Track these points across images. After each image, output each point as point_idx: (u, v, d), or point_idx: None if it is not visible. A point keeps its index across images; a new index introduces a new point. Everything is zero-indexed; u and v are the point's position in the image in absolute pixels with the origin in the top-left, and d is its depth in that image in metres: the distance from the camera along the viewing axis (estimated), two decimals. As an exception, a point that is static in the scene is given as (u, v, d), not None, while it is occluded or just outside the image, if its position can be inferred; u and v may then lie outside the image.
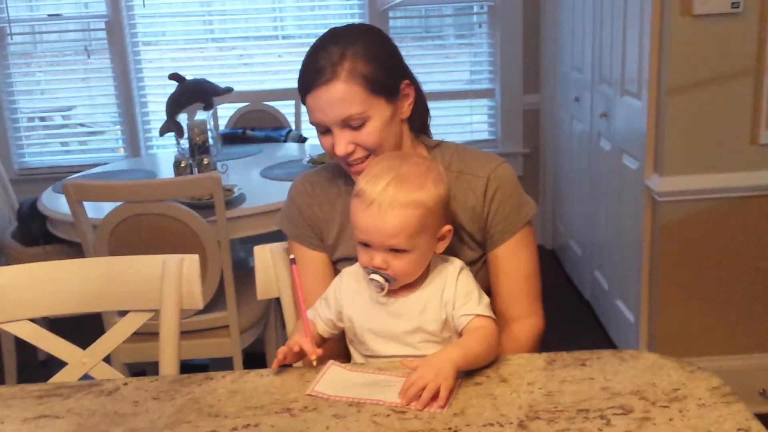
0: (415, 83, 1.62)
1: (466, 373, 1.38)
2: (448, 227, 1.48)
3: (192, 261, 1.68)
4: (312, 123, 1.56)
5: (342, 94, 1.49)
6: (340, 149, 1.52)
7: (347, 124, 1.52)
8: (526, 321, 1.62)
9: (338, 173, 1.67)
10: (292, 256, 1.54)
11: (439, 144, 1.68)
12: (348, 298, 1.51)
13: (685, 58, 2.67)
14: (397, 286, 1.46)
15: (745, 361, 2.90)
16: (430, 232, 1.44)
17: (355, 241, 1.47)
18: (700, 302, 2.87)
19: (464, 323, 1.45)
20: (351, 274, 1.54)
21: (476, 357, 1.39)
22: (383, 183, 1.41)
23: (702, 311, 2.88)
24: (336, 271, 1.64)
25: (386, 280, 1.43)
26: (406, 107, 1.60)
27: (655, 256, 2.88)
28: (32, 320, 1.69)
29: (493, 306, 1.55)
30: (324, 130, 1.55)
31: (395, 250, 1.42)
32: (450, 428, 1.22)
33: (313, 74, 1.52)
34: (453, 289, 1.47)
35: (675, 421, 1.21)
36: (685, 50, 2.66)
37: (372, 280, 1.44)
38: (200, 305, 1.69)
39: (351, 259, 1.59)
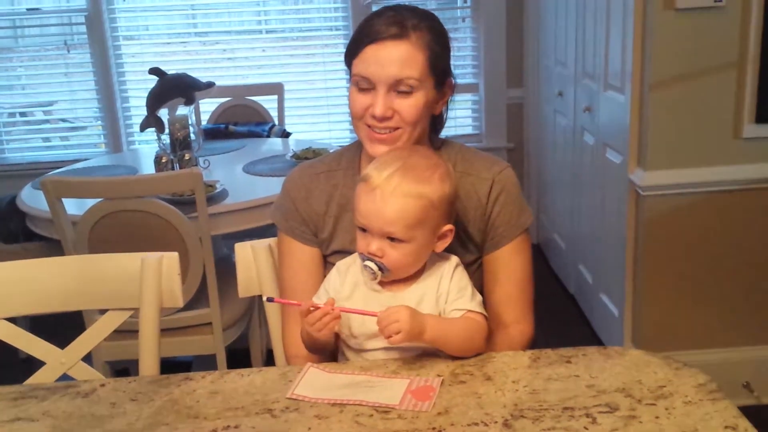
0: (453, 87, 1.61)
1: (451, 372, 1.37)
2: (449, 226, 1.47)
3: (171, 259, 1.65)
4: (357, 76, 1.51)
5: (406, 54, 1.48)
6: (380, 109, 1.49)
7: (396, 86, 1.49)
8: (517, 326, 1.61)
9: (336, 165, 1.65)
10: (265, 297, 1.51)
11: (444, 143, 1.66)
12: (345, 291, 1.50)
13: (668, 52, 2.66)
14: (389, 279, 1.45)
15: (729, 354, 2.90)
16: (429, 227, 1.43)
17: (355, 227, 1.46)
18: (685, 296, 2.88)
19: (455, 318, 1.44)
20: (346, 265, 1.52)
21: (451, 335, 1.40)
22: (389, 170, 1.41)
23: (686, 305, 2.88)
24: (328, 264, 1.62)
25: (380, 268, 1.42)
26: (440, 104, 1.59)
27: (639, 250, 2.88)
28: (14, 318, 1.66)
29: (486, 311, 1.53)
30: (365, 87, 1.51)
31: (392, 239, 1.41)
32: (434, 428, 1.20)
33: (382, 27, 1.49)
34: (447, 284, 1.47)
35: (661, 419, 1.19)
36: (668, 44, 2.65)
37: (366, 266, 1.43)
38: (180, 303, 1.66)
39: (346, 252, 1.57)
